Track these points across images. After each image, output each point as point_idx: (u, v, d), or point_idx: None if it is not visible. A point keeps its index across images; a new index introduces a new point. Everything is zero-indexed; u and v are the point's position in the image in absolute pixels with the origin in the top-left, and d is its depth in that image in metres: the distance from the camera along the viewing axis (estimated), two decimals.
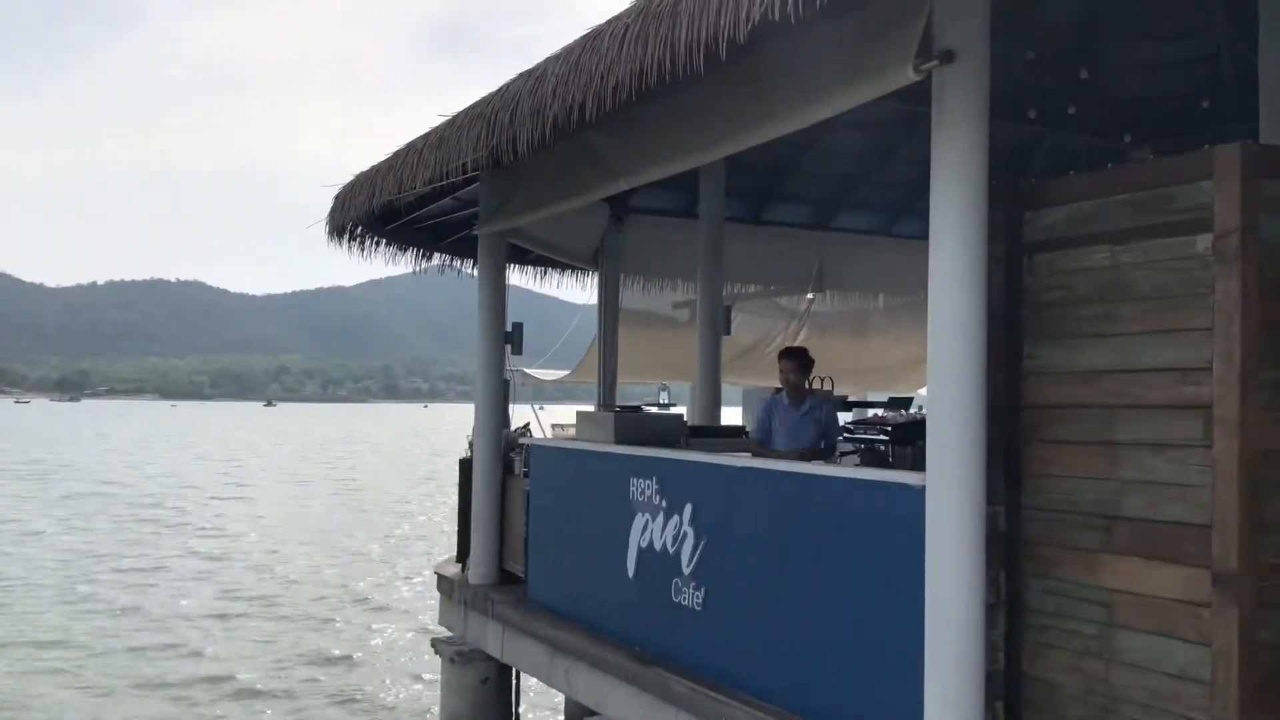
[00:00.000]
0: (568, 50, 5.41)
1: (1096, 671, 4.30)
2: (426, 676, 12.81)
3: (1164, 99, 9.13)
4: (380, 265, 9.54)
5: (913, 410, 8.26)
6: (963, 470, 4.39)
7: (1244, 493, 3.83)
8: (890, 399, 9.09)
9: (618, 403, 9.79)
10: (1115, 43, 8.67)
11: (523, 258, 10.81)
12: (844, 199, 11.18)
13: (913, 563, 4.51)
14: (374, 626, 16.42)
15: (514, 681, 8.67)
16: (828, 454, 6.80)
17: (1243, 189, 3.89)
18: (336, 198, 8.54)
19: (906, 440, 6.75)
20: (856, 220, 11.47)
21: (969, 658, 4.37)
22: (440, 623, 9.41)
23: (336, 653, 14.76)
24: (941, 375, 4.48)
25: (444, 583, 9.18)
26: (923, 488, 4.51)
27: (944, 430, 4.45)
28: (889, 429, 7.01)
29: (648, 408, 9.52)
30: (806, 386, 7.07)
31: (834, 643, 5.17)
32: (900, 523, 4.69)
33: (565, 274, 11.62)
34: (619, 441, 7.01)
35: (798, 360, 7.06)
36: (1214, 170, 3.96)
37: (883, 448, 6.89)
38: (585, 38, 5.24)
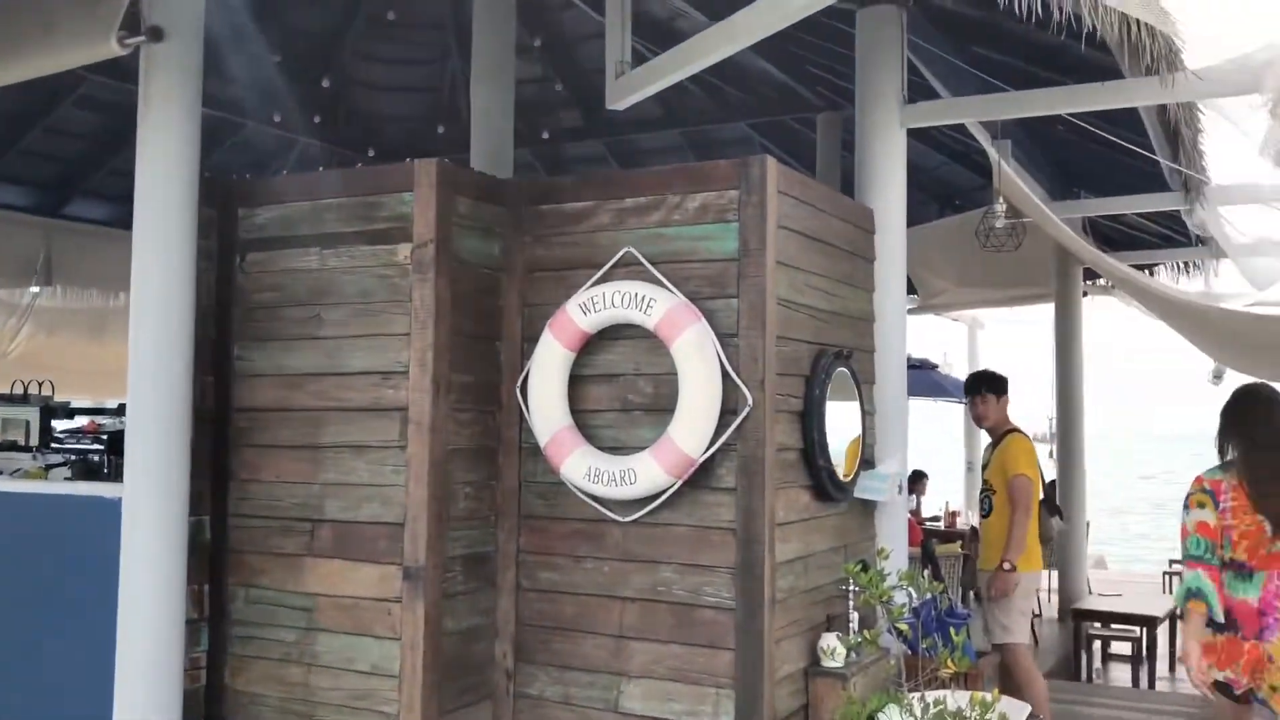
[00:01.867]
0: None
1: (297, 678, 4.26)
2: None
3: (404, 119, 9.66)
4: None
5: None
6: (163, 480, 4.06)
7: (433, 491, 4.06)
8: (120, 404, 8.35)
9: None
10: (360, 60, 8.97)
11: None
12: (77, 185, 10.12)
13: (110, 582, 4.08)
14: None
15: None
16: None
17: (439, 203, 4.13)
18: None
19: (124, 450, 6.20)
20: (92, 209, 10.45)
21: (167, 679, 4.05)
22: None
23: None
24: (143, 379, 4.10)
25: None
26: (119, 500, 4.10)
27: (144, 438, 4.09)
28: (104, 437, 6.39)
29: None
30: None
31: (26, 677, 4.50)
32: (95, 540, 4.23)
33: None
34: None
35: None
36: (414, 183, 4.15)
37: (97, 458, 6.26)
38: None
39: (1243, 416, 4.00)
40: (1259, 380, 4.21)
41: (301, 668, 4.25)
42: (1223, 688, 3.90)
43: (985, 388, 5.85)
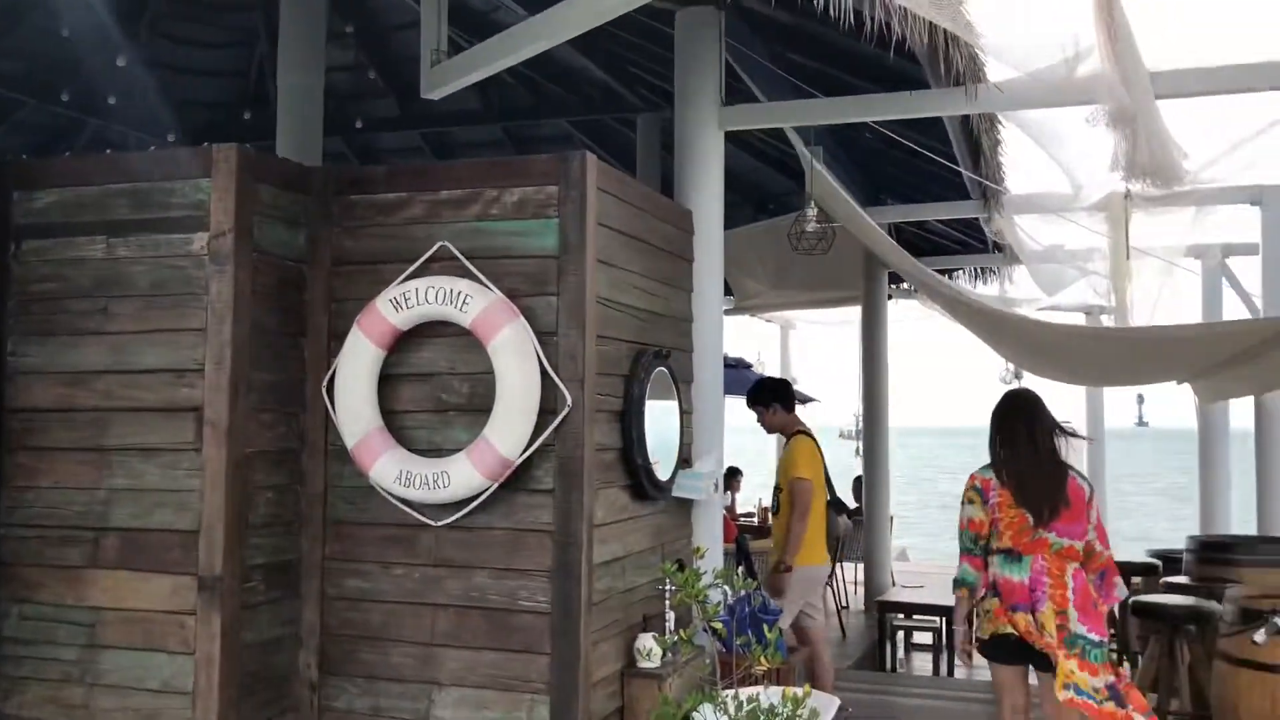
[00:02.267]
0: None
1: (77, 699, 3.94)
2: None
3: (207, 104, 9.17)
4: None
5: None
6: None
7: (231, 496, 3.82)
8: None
9: None
10: (160, 40, 8.45)
11: None
12: None
13: None
14: None
15: None
16: None
17: (239, 190, 3.89)
18: None
19: None
20: None
21: None
22: None
23: None
24: None
25: None
26: None
27: None
28: None
29: None
30: None
31: None
32: None
33: None
34: None
35: None
36: (212, 169, 3.90)
37: None
38: None
39: (1008, 421, 4.31)
40: (1023, 387, 4.57)
41: (83, 688, 3.93)
42: (994, 650, 4.29)
43: (753, 401, 6.17)
